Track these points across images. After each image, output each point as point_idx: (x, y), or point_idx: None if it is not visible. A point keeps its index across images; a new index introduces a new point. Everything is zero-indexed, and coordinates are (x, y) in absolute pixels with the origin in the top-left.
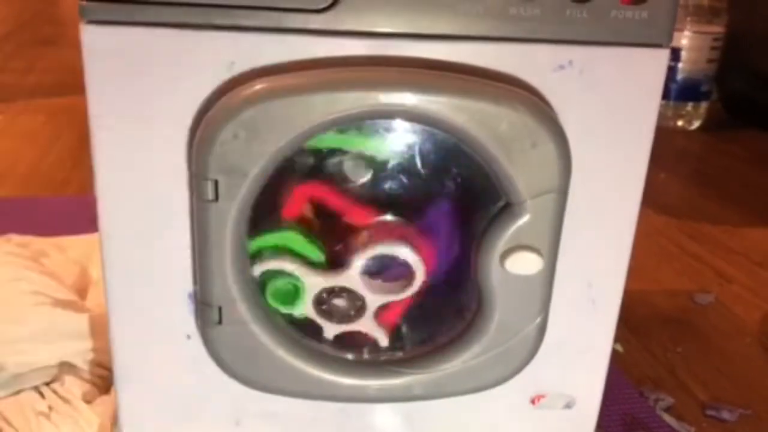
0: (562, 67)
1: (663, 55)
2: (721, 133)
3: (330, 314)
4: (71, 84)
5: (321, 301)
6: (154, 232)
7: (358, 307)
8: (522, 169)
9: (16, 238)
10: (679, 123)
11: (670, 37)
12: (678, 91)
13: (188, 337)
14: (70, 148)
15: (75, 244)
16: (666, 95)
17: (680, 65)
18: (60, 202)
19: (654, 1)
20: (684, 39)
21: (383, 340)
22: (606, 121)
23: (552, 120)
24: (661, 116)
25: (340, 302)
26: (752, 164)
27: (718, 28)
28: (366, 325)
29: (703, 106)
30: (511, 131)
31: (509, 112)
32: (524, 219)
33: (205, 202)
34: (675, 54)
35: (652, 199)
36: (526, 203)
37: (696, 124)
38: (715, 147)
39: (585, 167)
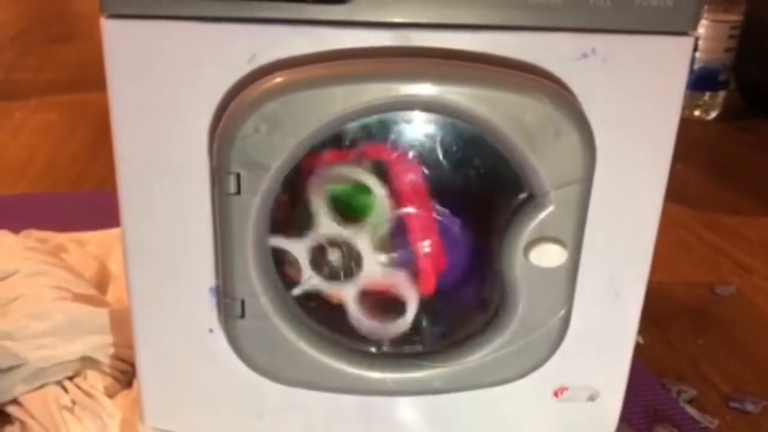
0: (585, 55)
1: (688, 43)
2: (739, 123)
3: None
4: (85, 80)
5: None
6: (176, 227)
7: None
8: (546, 159)
9: (35, 233)
10: (696, 113)
11: (696, 25)
12: (695, 81)
13: (210, 330)
14: (85, 144)
15: (93, 239)
16: None
17: (697, 54)
18: (76, 197)
19: None
20: (701, 28)
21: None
22: (630, 109)
23: (576, 109)
24: None
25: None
26: None
27: (735, 17)
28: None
29: (721, 95)
30: (535, 121)
31: (532, 102)
32: (548, 210)
33: (227, 195)
34: None
35: (669, 190)
36: (550, 194)
37: (713, 113)
38: (732, 137)
39: (609, 157)
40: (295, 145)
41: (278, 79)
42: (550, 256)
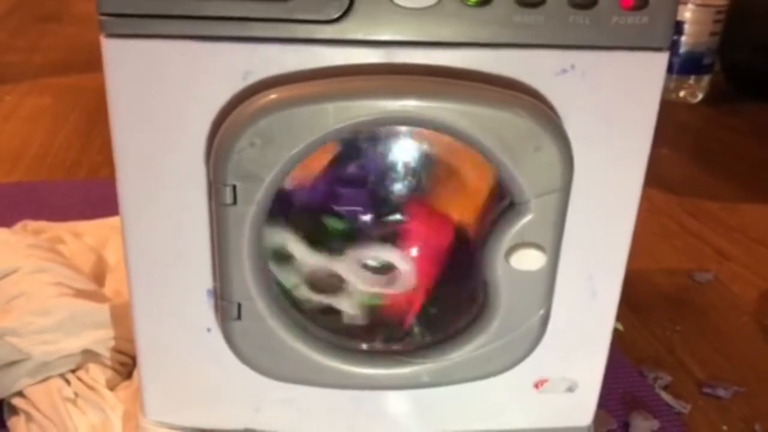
0: (564, 71)
1: (663, 59)
2: (724, 106)
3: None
4: (77, 62)
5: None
6: (175, 234)
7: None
8: (526, 171)
9: (31, 224)
10: (682, 95)
11: (670, 41)
12: (680, 65)
13: (208, 330)
14: (78, 130)
15: (89, 229)
16: (669, 68)
17: (683, 38)
18: (71, 186)
19: (654, 6)
20: (687, 12)
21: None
22: (607, 122)
23: (555, 124)
24: (664, 89)
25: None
26: (754, 137)
27: (721, 1)
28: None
29: (706, 79)
30: (515, 135)
31: (513, 117)
32: (528, 218)
33: (223, 206)
34: (678, 27)
35: (653, 176)
36: (530, 203)
37: (698, 97)
38: (717, 120)
39: (587, 166)
40: (288, 158)
41: (272, 96)
42: (529, 260)
